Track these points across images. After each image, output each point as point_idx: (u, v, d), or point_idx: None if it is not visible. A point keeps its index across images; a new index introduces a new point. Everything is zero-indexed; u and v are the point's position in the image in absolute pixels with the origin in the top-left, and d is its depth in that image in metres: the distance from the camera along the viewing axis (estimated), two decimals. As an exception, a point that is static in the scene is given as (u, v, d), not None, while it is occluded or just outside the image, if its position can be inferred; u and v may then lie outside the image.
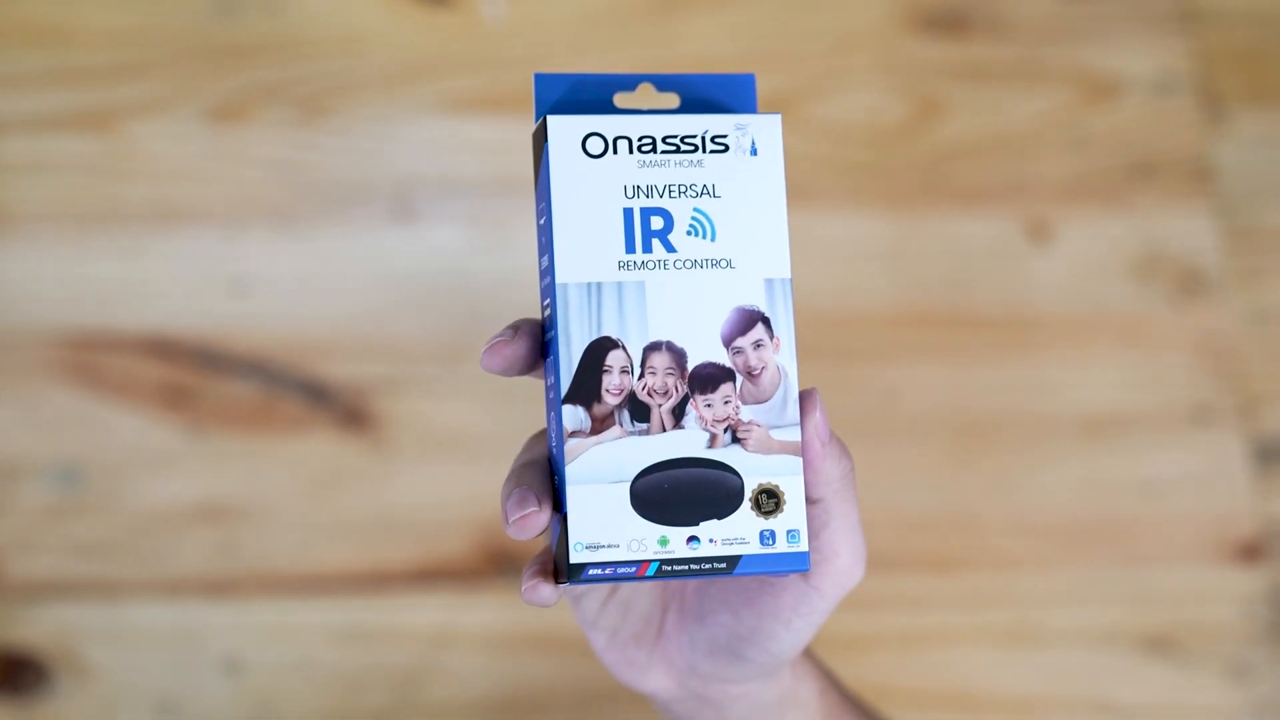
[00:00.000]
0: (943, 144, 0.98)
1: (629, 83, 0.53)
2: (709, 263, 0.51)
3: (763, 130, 0.52)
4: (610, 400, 0.50)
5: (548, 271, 0.51)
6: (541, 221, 0.52)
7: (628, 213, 0.51)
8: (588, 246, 0.51)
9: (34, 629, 0.88)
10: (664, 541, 0.50)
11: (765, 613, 0.54)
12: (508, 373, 0.51)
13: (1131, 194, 0.97)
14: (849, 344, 0.94)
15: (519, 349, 0.51)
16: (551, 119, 0.51)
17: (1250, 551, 0.91)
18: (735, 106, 0.53)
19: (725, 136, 0.52)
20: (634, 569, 0.50)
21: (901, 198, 0.97)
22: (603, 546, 0.50)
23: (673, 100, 0.53)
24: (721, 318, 0.51)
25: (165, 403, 0.92)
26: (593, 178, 0.51)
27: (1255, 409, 0.94)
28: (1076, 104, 0.99)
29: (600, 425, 0.50)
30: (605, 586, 0.57)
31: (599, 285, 0.51)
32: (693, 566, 0.50)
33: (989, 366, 0.94)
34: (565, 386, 0.50)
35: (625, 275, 0.51)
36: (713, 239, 0.51)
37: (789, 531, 0.51)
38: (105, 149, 0.96)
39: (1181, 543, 0.91)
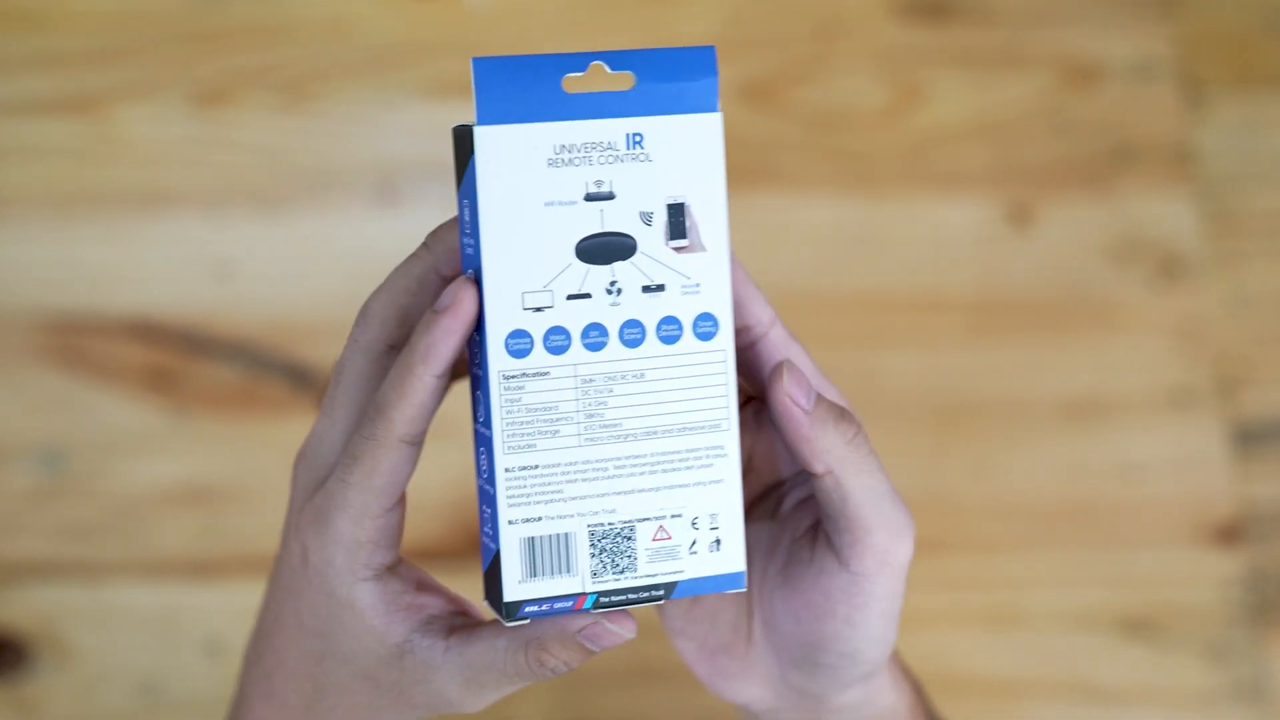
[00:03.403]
0: (924, 129, 0.98)
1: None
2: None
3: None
4: None
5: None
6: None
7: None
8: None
9: (16, 610, 0.88)
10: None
11: (822, 614, 0.51)
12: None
13: (1112, 178, 0.97)
14: (830, 328, 0.94)
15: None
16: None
17: (1229, 534, 0.91)
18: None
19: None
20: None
21: (883, 182, 0.97)
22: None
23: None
24: None
25: (149, 385, 0.92)
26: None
27: (1234, 392, 0.94)
28: (1057, 89, 0.99)
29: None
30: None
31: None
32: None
33: (969, 350, 0.94)
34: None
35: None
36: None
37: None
38: (90, 133, 0.96)
39: (1161, 525, 0.91)
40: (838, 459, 0.49)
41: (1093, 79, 0.99)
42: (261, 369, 0.92)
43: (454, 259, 0.49)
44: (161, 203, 0.95)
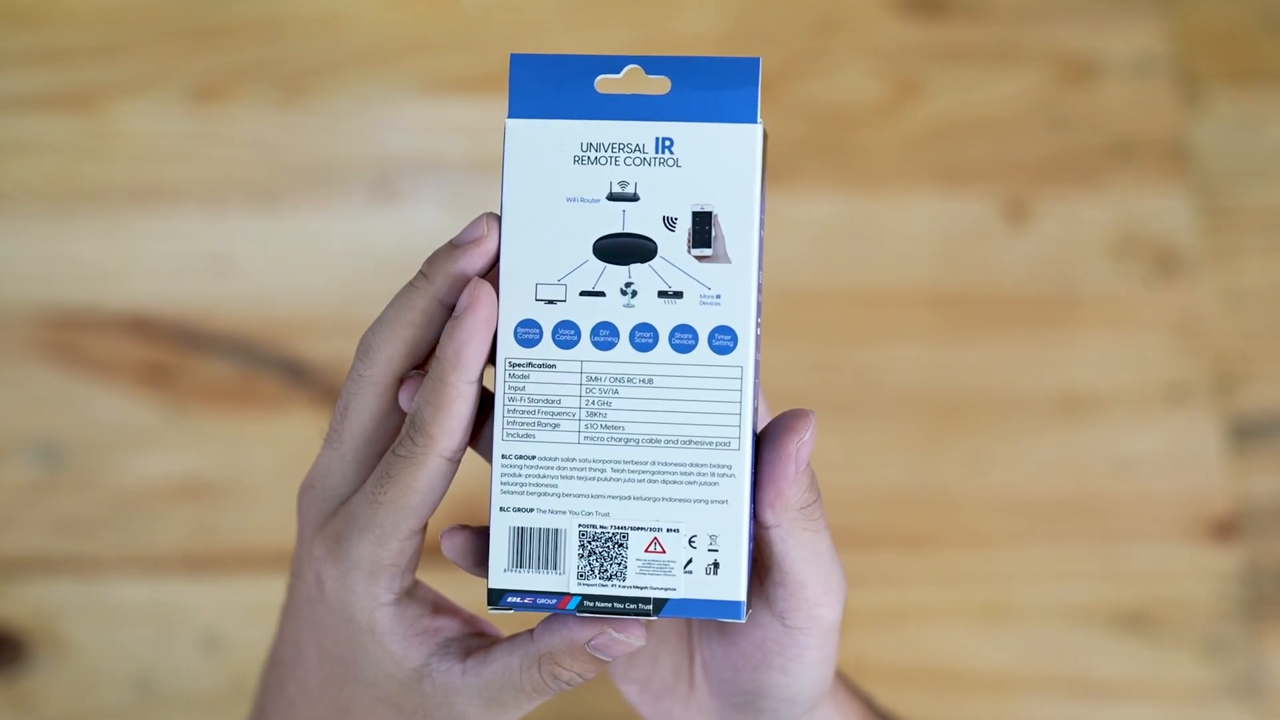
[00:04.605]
0: (921, 125, 0.98)
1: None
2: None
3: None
4: None
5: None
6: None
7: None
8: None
9: (12, 605, 0.88)
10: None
11: (758, 665, 0.52)
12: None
13: (1109, 174, 0.97)
14: (826, 323, 0.94)
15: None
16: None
17: (1225, 529, 0.91)
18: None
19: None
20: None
21: (880, 178, 0.97)
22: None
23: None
24: None
25: (145, 381, 0.92)
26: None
27: (1231, 387, 0.94)
28: (1054, 85, 0.99)
29: None
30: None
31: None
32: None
33: (966, 346, 0.95)
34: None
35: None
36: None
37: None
38: (86, 128, 0.96)
39: (1157, 521, 0.92)
40: (790, 517, 0.49)
41: (1089, 75, 0.99)
42: (258, 364, 0.92)
43: (456, 286, 0.49)
44: (158, 198, 0.95)
